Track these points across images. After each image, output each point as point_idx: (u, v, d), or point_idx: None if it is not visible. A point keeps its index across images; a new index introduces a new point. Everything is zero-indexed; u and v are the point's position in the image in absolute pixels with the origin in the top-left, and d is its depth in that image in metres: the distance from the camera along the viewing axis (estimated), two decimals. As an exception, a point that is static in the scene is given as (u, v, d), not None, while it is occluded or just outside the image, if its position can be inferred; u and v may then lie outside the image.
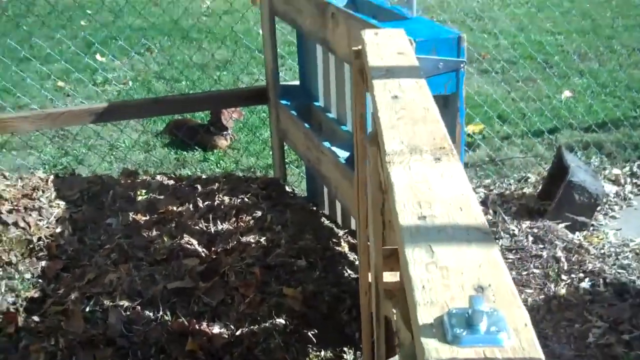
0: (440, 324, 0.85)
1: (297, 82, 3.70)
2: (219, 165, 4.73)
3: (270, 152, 4.65)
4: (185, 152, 4.94)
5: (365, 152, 2.01)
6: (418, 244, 1.02)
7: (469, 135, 4.86)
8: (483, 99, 5.38)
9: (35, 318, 2.52)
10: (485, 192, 4.06)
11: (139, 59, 6.75)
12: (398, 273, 1.90)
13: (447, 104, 2.34)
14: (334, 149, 2.88)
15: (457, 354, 0.80)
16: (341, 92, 3.04)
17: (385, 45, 1.86)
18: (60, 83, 6.13)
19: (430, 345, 0.83)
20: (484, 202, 3.90)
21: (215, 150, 4.93)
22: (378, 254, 1.66)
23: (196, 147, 4.91)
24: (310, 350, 2.44)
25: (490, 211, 3.78)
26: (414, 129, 1.41)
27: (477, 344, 0.81)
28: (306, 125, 3.16)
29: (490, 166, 4.50)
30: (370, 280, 2.14)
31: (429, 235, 1.04)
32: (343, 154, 2.85)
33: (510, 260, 3.37)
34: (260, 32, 7.05)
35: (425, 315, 0.88)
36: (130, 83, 6.28)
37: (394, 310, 1.92)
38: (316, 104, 3.35)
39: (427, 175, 1.22)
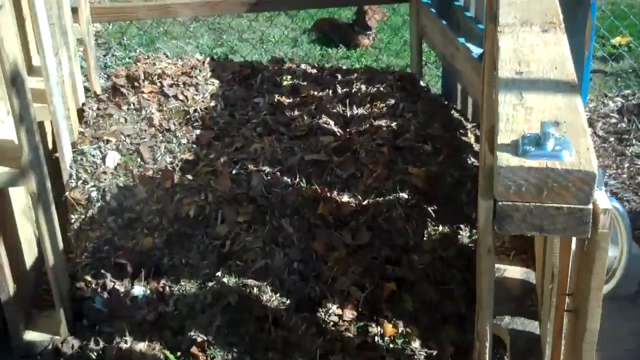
0: (515, 144, 1.05)
1: (439, -18, 3.81)
2: (359, 61, 4.96)
3: (409, 52, 4.82)
4: (329, 49, 5.19)
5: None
6: (510, 91, 1.20)
7: (613, 46, 4.80)
8: (630, 9, 5.25)
9: (189, 176, 2.88)
10: (623, 101, 4.07)
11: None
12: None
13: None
14: (468, 45, 3.03)
15: (523, 163, 1.00)
16: (480, -9, 3.16)
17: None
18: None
19: (503, 157, 1.03)
20: (619, 111, 3.93)
21: (357, 49, 5.15)
22: (488, 123, 1.84)
23: (340, 45, 5.15)
24: (429, 224, 2.67)
25: (625, 119, 3.81)
26: (529, 6, 1.57)
27: (541, 158, 1.00)
28: (444, 22, 3.30)
29: (632, 77, 4.46)
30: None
31: (522, 85, 1.22)
32: (477, 50, 2.99)
33: (638, 166, 3.43)
34: None
35: (504, 138, 1.08)
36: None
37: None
38: (456, 3, 3.47)
39: (532, 43, 1.39)
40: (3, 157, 2.32)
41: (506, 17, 1.50)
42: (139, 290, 2.61)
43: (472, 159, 2.96)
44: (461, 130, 3.15)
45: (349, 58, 5.06)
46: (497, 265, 2.45)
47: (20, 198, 2.67)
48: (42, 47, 2.57)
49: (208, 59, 3.59)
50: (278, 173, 2.81)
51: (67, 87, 2.95)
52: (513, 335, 2.22)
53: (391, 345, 2.35)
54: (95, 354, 2.46)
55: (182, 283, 2.58)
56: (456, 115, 3.33)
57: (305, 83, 3.48)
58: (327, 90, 3.39)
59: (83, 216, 2.80)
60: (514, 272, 2.47)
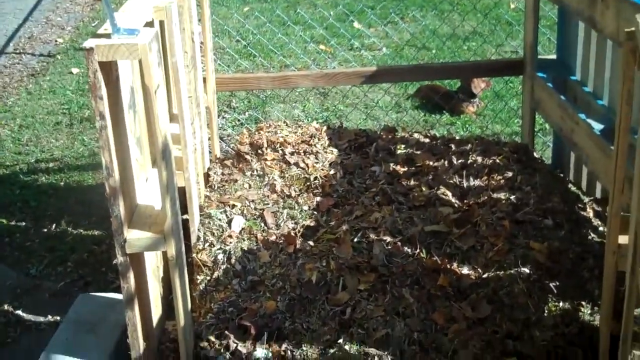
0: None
1: (553, 56, 3.86)
2: (465, 129, 5.01)
3: (517, 120, 4.85)
4: (433, 115, 5.28)
5: (628, 123, 2.21)
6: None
7: None
8: None
9: (311, 242, 2.97)
10: None
11: (392, 27, 7.15)
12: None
13: None
14: (589, 120, 3.06)
15: None
16: (600, 68, 3.19)
17: (657, 26, 2.03)
18: (321, 46, 6.69)
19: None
20: None
21: (462, 116, 5.21)
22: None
23: (444, 112, 5.23)
24: (550, 300, 2.67)
25: None
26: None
27: None
28: (562, 96, 3.34)
29: None
30: (620, 241, 2.33)
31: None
32: (597, 126, 3.01)
33: None
34: (512, 5, 7.16)
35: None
36: (384, 49, 6.70)
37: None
38: (572, 77, 3.51)
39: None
40: (146, 222, 2.46)
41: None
42: (261, 352, 2.68)
43: (593, 234, 2.95)
44: (579, 204, 3.15)
45: (453, 125, 5.13)
46: None
47: (151, 258, 2.81)
48: (182, 118, 2.74)
49: (325, 128, 3.72)
50: (399, 243, 2.88)
51: (198, 153, 3.11)
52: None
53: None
54: (220, 413, 2.54)
55: (304, 348, 2.64)
56: (573, 188, 3.34)
57: (419, 152, 3.56)
58: (442, 160, 3.45)
59: (209, 277, 2.91)
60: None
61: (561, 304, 2.68)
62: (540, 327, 2.59)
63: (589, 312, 2.67)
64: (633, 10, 2.44)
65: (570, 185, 3.37)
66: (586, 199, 3.23)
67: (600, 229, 3.02)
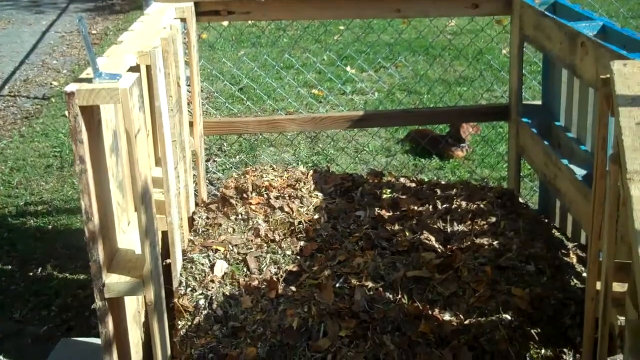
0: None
1: (538, 102, 3.89)
2: (453, 173, 5.04)
3: (505, 165, 4.87)
4: (422, 159, 5.30)
5: (603, 170, 2.22)
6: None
7: None
8: None
9: (293, 288, 2.96)
10: None
11: (384, 72, 7.22)
12: (626, 285, 2.09)
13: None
14: (571, 166, 3.07)
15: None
16: (583, 114, 3.21)
17: (633, 75, 2.05)
18: (314, 90, 6.75)
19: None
20: None
21: (451, 160, 5.24)
22: (609, 265, 1.86)
23: (434, 156, 5.25)
24: (532, 347, 2.65)
25: None
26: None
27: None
28: (546, 142, 3.36)
29: None
30: (598, 288, 2.32)
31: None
32: (580, 172, 3.03)
33: None
34: (503, 51, 7.24)
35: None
36: (376, 94, 6.76)
37: (619, 317, 2.11)
38: (557, 123, 3.53)
39: (663, 191, 1.43)
40: (126, 267, 2.46)
41: (633, 163, 1.54)
42: (241, 400, 2.66)
43: (575, 280, 2.94)
44: (563, 250, 3.15)
45: (442, 169, 5.15)
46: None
47: (132, 303, 2.80)
48: (166, 162, 2.75)
49: (311, 172, 3.73)
50: (380, 288, 2.86)
51: (182, 197, 3.12)
52: None
53: None
54: None
55: (284, 395, 2.62)
56: (557, 234, 3.33)
57: (404, 197, 3.56)
58: (427, 204, 3.46)
59: (189, 323, 2.89)
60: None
61: (543, 350, 2.66)
62: (521, 375, 2.57)
63: (570, 359, 2.65)
64: (610, 56, 2.46)
65: (554, 231, 3.36)
66: (570, 245, 3.22)
67: (584, 275, 3.00)
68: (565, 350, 2.67)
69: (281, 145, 5.65)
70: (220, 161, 5.41)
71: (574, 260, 3.10)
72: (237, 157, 5.47)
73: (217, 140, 5.69)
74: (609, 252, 1.91)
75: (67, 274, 4.02)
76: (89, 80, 2.23)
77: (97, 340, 2.97)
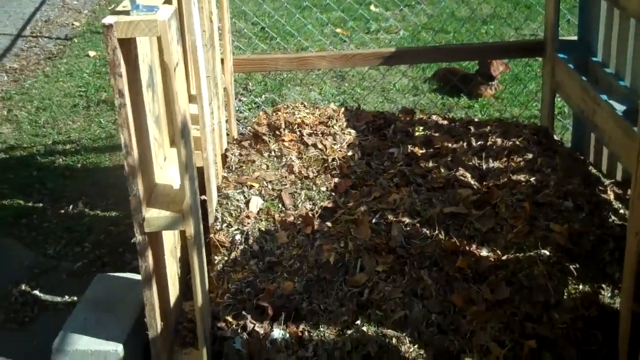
0: None
1: (574, 37, 3.81)
2: (482, 112, 4.97)
3: (535, 104, 4.81)
4: (450, 98, 5.24)
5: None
6: None
7: None
8: None
9: (328, 224, 2.96)
10: None
11: (409, 10, 7.09)
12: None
13: None
14: (611, 101, 3.02)
15: None
16: (622, 48, 3.14)
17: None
18: (338, 29, 6.64)
19: None
20: None
21: (479, 99, 5.17)
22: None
23: (462, 95, 5.18)
24: (570, 282, 2.65)
25: None
26: None
27: None
28: (583, 78, 3.30)
29: None
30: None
31: None
32: (620, 107, 2.97)
33: None
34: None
35: None
36: (401, 33, 6.65)
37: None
38: (594, 58, 3.46)
39: None
40: (164, 201, 2.46)
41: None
42: (278, 333, 2.68)
43: (613, 217, 2.92)
44: (600, 187, 3.12)
45: (471, 108, 5.09)
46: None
47: (169, 238, 2.81)
48: (201, 98, 2.72)
49: (342, 109, 3.69)
50: (417, 224, 2.86)
51: (216, 134, 3.10)
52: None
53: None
54: (235, 394, 2.54)
55: (321, 329, 2.63)
56: (593, 170, 3.30)
57: (437, 134, 3.53)
58: (460, 142, 3.42)
59: (226, 258, 2.91)
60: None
61: (581, 286, 2.65)
62: (559, 310, 2.56)
63: (609, 294, 2.64)
64: (658, -13, 2.39)
65: (590, 168, 3.33)
66: (607, 182, 3.20)
67: (621, 211, 2.98)
68: (603, 285, 2.66)
69: (307, 84, 5.60)
70: (246, 100, 5.37)
71: (611, 197, 3.07)
72: (263, 96, 5.43)
73: (243, 80, 5.65)
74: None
75: (99, 212, 4.04)
76: (126, 13, 2.19)
77: (133, 276, 3.01)
